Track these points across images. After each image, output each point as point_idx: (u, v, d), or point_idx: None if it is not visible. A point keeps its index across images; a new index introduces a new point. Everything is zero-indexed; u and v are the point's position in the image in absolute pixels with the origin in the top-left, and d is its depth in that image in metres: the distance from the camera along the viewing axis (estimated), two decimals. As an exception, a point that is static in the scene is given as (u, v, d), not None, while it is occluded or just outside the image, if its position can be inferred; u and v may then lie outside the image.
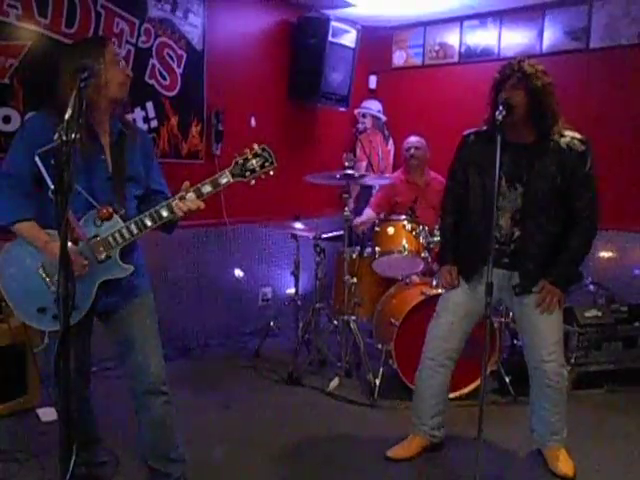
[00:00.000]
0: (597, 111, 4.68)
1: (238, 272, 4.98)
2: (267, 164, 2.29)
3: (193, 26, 4.35)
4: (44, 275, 2.24)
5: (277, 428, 3.36)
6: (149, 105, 4.11)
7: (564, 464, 2.90)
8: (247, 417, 3.49)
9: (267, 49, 5.08)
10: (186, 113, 4.40)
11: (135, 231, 2.24)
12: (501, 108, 2.55)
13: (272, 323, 4.59)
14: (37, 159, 1.90)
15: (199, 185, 2.26)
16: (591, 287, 4.43)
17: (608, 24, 4.79)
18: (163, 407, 2.40)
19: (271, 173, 2.29)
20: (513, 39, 5.29)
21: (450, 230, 3.03)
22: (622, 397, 3.89)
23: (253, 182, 2.30)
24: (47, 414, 3.26)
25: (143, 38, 4.05)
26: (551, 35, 5.05)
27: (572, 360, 3.88)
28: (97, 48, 2.27)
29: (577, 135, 2.72)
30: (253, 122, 4.90)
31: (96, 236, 2.23)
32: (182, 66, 4.30)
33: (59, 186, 1.68)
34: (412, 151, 4.67)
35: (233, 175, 2.27)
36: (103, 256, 2.23)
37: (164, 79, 4.20)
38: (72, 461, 1.71)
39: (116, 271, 2.28)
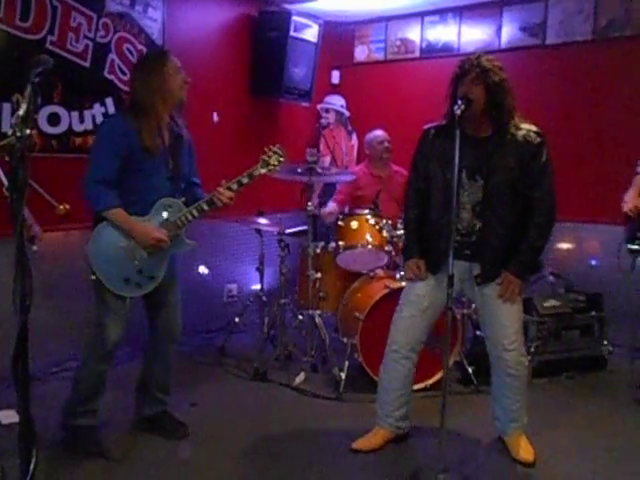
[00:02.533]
0: (554, 106, 4.78)
1: (203, 269, 4.96)
2: (282, 159, 2.96)
3: (153, 20, 4.30)
4: (129, 252, 2.80)
5: (244, 424, 3.36)
6: (108, 101, 4.04)
7: (525, 450, 2.97)
8: (214, 414, 3.48)
9: (228, 44, 5.05)
10: (147, 109, 4.33)
11: (196, 214, 2.87)
12: (460, 102, 2.60)
13: (237, 320, 4.57)
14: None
15: (239, 178, 2.91)
16: (550, 277, 4.53)
17: (563, 21, 4.89)
18: (175, 353, 3.17)
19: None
20: (473, 35, 5.37)
21: (414, 223, 3.05)
22: (579, 384, 4.00)
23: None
24: (7, 417, 3.19)
25: (102, 33, 3.99)
26: (509, 31, 5.14)
27: (532, 349, 3.95)
28: (160, 60, 2.86)
29: (533, 128, 2.79)
30: (216, 117, 4.87)
31: (167, 220, 2.85)
32: (142, 62, 4.24)
33: (14, 183, 1.65)
34: (386, 144, 4.74)
35: (262, 169, 2.94)
36: (179, 234, 2.90)
37: (124, 74, 4.12)
38: (32, 463, 1.69)
39: (184, 246, 2.98)
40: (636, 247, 3.46)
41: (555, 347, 4.10)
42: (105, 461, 2.84)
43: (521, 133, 2.76)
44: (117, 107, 4.10)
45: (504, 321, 2.88)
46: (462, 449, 3.05)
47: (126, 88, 4.12)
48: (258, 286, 5.22)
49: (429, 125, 3.00)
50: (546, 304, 4.11)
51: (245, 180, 2.89)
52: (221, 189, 2.85)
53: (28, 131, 1.68)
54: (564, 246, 4.95)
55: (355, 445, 3.06)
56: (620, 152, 4.56)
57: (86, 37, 3.90)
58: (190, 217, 2.86)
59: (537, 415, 3.12)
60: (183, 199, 2.92)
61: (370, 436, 3.09)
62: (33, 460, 1.70)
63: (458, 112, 2.57)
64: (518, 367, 2.91)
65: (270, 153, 2.92)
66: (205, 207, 2.86)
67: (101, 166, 2.73)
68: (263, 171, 2.92)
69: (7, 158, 1.67)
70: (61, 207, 2.56)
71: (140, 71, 2.89)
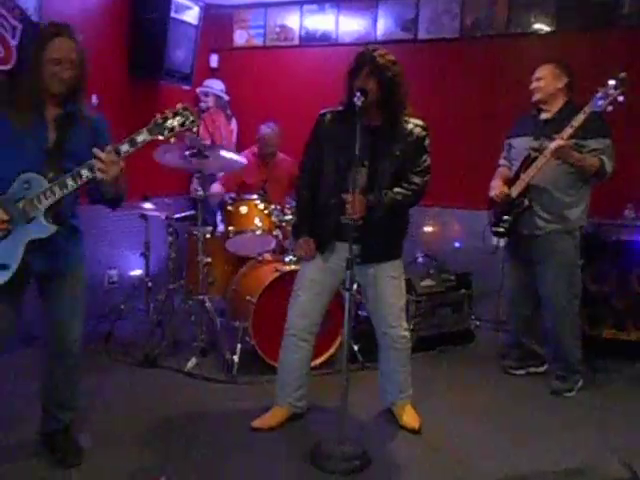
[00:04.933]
0: (424, 99, 5.08)
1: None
2: (188, 122, 2.39)
3: (28, -5, 4.07)
4: None
5: (139, 411, 3.35)
6: (-18, 79, 3.80)
7: (411, 418, 3.22)
8: (107, 402, 3.44)
9: (107, 23, 4.88)
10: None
11: (58, 191, 2.39)
12: (359, 94, 2.73)
13: (123, 306, 4.49)
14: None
15: (118, 144, 2.38)
16: (421, 259, 4.89)
17: (433, 18, 5.23)
18: (72, 368, 2.76)
19: (193, 130, 2.47)
20: (350, 26, 5.58)
21: (306, 203, 3.16)
22: (451, 356, 4.39)
23: (173, 140, 2.42)
24: None
25: (-27, 7, 3.73)
26: (384, 24, 5.42)
27: (410, 326, 4.20)
28: (43, 41, 2.48)
29: (419, 122, 3.02)
30: (95, 100, 4.71)
31: (22, 198, 2.40)
32: (17, 38, 4.00)
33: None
34: (273, 141, 4.88)
35: (150, 132, 2.37)
36: (31, 217, 2.40)
37: (-2, 51, 3.89)
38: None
39: (40, 230, 2.43)
40: (501, 230, 3.79)
41: (430, 323, 4.45)
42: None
43: (409, 126, 2.98)
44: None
45: (388, 299, 3.11)
46: (355, 421, 3.22)
47: (1, 67, 3.89)
48: (139, 272, 5.16)
49: (325, 110, 3.10)
50: (423, 284, 4.44)
51: (125, 148, 2.37)
52: (101, 154, 2.35)
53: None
54: (431, 229, 5.35)
55: (255, 424, 3.16)
56: (482, 144, 4.94)
57: (-44, 11, 3.64)
58: (50, 195, 2.39)
59: (416, 387, 3.36)
60: (51, 175, 2.42)
61: (269, 415, 3.20)
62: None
63: (359, 103, 2.71)
64: (403, 341, 3.17)
65: (168, 114, 2.38)
66: (70, 182, 2.38)
67: None
68: (149, 137, 2.37)
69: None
70: None
71: (31, 40, 2.70)
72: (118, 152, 2.37)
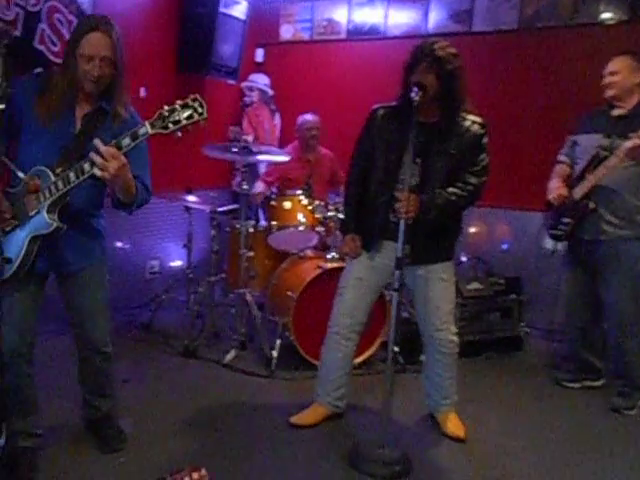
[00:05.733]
0: (478, 93, 4.97)
1: (123, 244, 4.87)
2: (196, 115, 2.18)
3: (84, -10, 4.13)
4: None
5: (180, 400, 3.37)
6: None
7: (456, 426, 3.13)
8: (148, 390, 3.47)
9: (157, 17, 4.92)
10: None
11: (60, 186, 2.27)
12: (416, 89, 2.64)
13: (164, 296, 4.53)
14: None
15: (119, 138, 2.21)
16: (466, 261, 4.74)
17: (489, 8, 5.01)
18: (102, 363, 2.70)
19: (201, 124, 2.20)
20: (400, 18, 5.44)
21: (354, 200, 3.09)
22: (498, 364, 4.22)
23: (179, 134, 2.21)
24: None
25: (32, 1, 3.79)
26: (436, 16, 5.24)
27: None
28: (80, 35, 2.32)
29: (477, 119, 2.89)
30: (143, 92, 4.75)
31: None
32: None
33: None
34: (314, 132, 4.77)
35: (153, 126, 2.18)
36: (34, 212, 2.30)
37: (54, 45, 3.95)
38: (2, 437, 1.68)
39: (42, 225, 2.30)
40: (559, 233, 3.61)
41: (476, 328, 4.31)
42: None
43: (466, 123, 2.86)
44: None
45: (437, 302, 3.02)
46: (394, 425, 3.13)
47: (56, 59, 3.95)
48: (180, 263, 5.21)
49: (378, 105, 3.02)
50: (469, 287, 4.30)
51: (126, 142, 2.20)
52: (101, 146, 2.19)
53: (2, 106, 1.63)
54: (477, 230, 5.16)
55: (293, 420, 3.15)
56: (538, 142, 4.77)
57: (17, 5, 3.71)
58: (54, 190, 2.28)
59: (460, 393, 3.27)
60: (59, 170, 2.30)
61: (308, 412, 3.18)
62: (3, 432, 1.68)
63: (416, 98, 2.62)
64: (450, 345, 3.08)
65: (176, 106, 2.17)
66: (72, 176, 2.26)
67: None
68: (152, 131, 2.17)
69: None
70: (31, 183, 2.32)
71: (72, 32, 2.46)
72: (119, 146, 2.20)
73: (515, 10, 4.92)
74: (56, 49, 3.97)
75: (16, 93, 2.28)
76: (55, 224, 2.29)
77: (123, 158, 2.20)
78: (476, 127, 2.87)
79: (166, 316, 4.61)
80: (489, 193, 3.00)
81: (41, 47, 3.91)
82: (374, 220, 2.98)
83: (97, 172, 2.18)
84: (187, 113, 2.16)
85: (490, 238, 5.14)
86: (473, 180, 2.88)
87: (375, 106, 3.02)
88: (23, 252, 2.31)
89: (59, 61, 3.95)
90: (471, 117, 2.88)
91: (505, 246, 5.05)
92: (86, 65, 2.30)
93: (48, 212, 2.30)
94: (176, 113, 2.16)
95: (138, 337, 4.29)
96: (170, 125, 2.16)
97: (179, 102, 2.17)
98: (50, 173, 2.29)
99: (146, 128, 2.17)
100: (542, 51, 4.87)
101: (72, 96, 2.39)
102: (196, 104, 2.18)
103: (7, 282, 2.25)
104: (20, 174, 2.30)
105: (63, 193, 2.28)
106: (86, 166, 2.23)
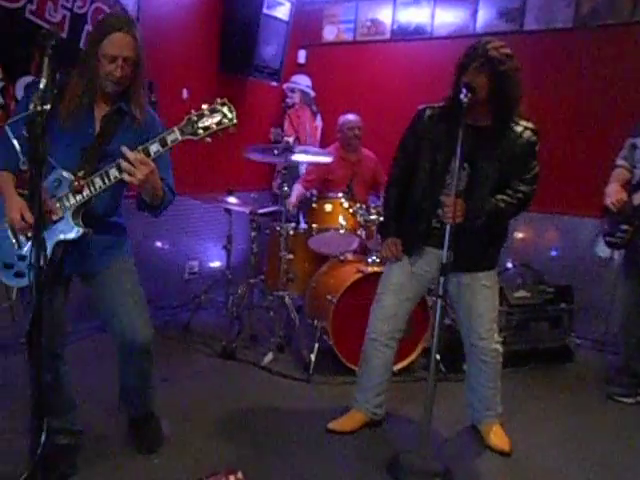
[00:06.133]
0: (529, 95, 4.85)
1: (163, 244, 4.89)
2: (226, 120, 2.10)
3: (128, -8, 4.16)
4: (10, 233, 2.30)
5: (218, 402, 3.36)
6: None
7: (500, 439, 3.03)
8: (186, 390, 3.47)
9: (200, 19, 4.95)
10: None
11: (87, 192, 2.24)
12: (465, 90, 2.55)
13: (203, 297, 4.53)
14: (7, 129, 1.76)
15: (147, 144, 2.17)
16: (512, 268, 4.57)
17: (543, 6, 4.83)
18: (142, 360, 2.60)
19: (230, 130, 2.13)
20: (446, 18, 5.32)
21: (395, 201, 3.00)
22: (546, 375, 4.07)
23: (209, 140, 2.15)
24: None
25: (79, 3, 3.84)
26: (485, 15, 5.09)
27: (500, 339, 4.01)
28: (100, 33, 2.27)
29: (530, 125, 2.78)
30: (185, 94, 4.78)
31: (53, 196, 2.27)
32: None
33: (34, 157, 1.60)
34: (356, 131, 4.71)
35: (182, 132, 2.13)
36: (58, 217, 2.26)
37: (99, 45, 3.99)
38: (43, 434, 1.68)
39: (67, 231, 2.28)
40: (617, 241, 3.48)
41: (523, 338, 4.16)
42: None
43: (518, 129, 2.75)
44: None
45: (480, 310, 2.94)
46: (436, 435, 3.08)
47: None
48: (219, 264, 5.22)
49: (424, 105, 2.92)
50: (517, 295, 4.16)
51: (154, 148, 2.16)
52: (129, 153, 2.16)
53: (48, 106, 1.62)
54: (524, 236, 5.01)
55: (331, 425, 3.09)
56: (593, 146, 4.59)
57: (64, 7, 3.76)
58: (80, 197, 2.26)
59: (505, 404, 3.17)
60: (82, 173, 2.27)
61: (346, 418, 3.13)
62: (44, 431, 1.68)
63: (465, 100, 2.53)
64: (493, 354, 2.98)
65: (205, 111, 2.10)
66: (98, 181, 2.23)
67: (12, 121, 2.34)
68: (180, 137, 2.13)
69: (25, 132, 1.61)
70: (77, 183, 2.30)
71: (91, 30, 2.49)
72: (148, 152, 2.16)
73: (570, 8, 4.72)
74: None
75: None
76: (81, 230, 2.28)
77: (152, 164, 2.17)
78: (528, 133, 2.76)
79: (205, 317, 4.63)
80: (538, 198, 2.89)
81: (87, 48, 3.95)
82: (417, 225, 2.90)
83: (126, 177, 2.16)
84: (217, 119, 2.10)
85: (539, 244, 4.97)
86: (523, 188, 2.78)
87: (421, 106, 2.93)
88: (49, 258, 2.22)
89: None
90: (523, 123, 2.78)
91: (554, 253, 4.89)
92: (108, 66, 2.26)
93: (73, 217, 2.28)
94: (205, 118, 2.10)
95: (177, 337, 4.29)
96: (200, 131, 2.11)
97: (206, 107, 2.11)
98: (72, 177, 2.26)
99: (176, 134, 2.13)
100: (599, 51, 4.66)
101: (91, 96, 2.35)
102: (225, 109, 2.10)
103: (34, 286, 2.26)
104: (65, 173, 2.26)
105: (88, 198, 2.26)
106: (113, 171, 2.20)
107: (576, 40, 4.74)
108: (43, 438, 1.69)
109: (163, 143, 2.15)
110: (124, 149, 2.15)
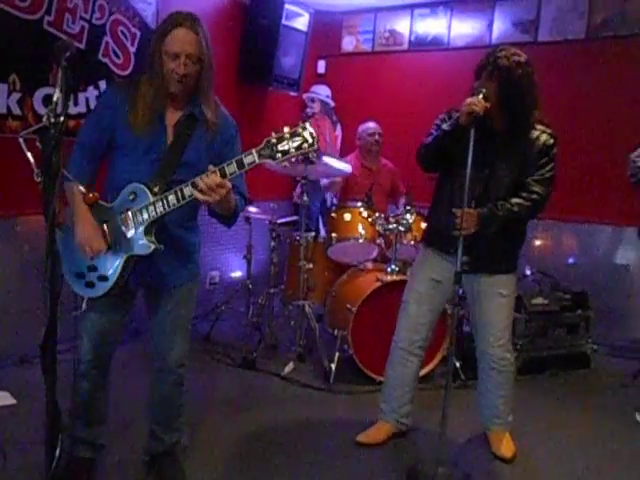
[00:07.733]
0: (546, 105, 4.82)
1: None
2: (306, 145, 2.05)
3: (147, 3, 4.22)
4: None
5: (239, 412, 3.37)
6: (102, 84, 3.97)
7: (505, 447, 3.00)
8: (205, 400, 3.48)
9: (220, 30, 4.98)
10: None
11: (160, 209, 2.19)
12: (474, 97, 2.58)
13: (224, 307, 4.55)
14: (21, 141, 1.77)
15: (224, 164, 2.11)
16: (530, 275, 4.55)
17: (556, 18, 4.89)
18: (174, 385, 2.58)
19: (311, 157, 2.10)
20: (463, 29, 5.39)
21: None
22: (564, 381, 4.05)
23: (285, 164, 2.14)
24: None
25: (97, 15, 3.91)
26: (501, 26, 5.16)
27: (518, 346, 4.00)
28: (164, 30, 2.23)
29: (547, 130, 2.78)
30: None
31: (127, 210, 2.24)
32: (135, 45, 4.17)
33: (47, 169, 1.62)
34: (377, 137, 4.72)
35: (260, 155, 2.07)
36: (131, 232, 2.24)
37: (118, 58, 4.06)
38: (57, 451, 1.68)
39: (139, 247, 2.24)
40: None
41: (541, 344, 4.16)
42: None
43: (535, 133, 2.75)
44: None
45: (493, 317, 2.91)
46: (454, 443, 3.07)
47: (120, 72, 4.06)
48: (239, 274, 5.23)
49: (449, 108, 2.92)
50: (534, 301, 4.15)
51: (231, 169, 2.09)
52: (205, 179, 2.11)
53: (62, 117, 1.64)
54: (541, 243, 5.01)
55: (359, 438, 3.06)
56: (607, 155, 4.60)
57: (82, 18, 3.82)
58: (152, 212, 2.20)
59: (522, 411, 3.14)
60: (157, 188, 2.22)
61: (374, 430, 3.10)
62: (58, 448, 1.68)
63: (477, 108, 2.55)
64: (503, 362, 2.94)
65: (285, 134, 2.04)
66: (172, 199, 2.17)
67: (81, 132, 2.37)
68: (258, 161, 2.08)
69: (39, 144, 1.63)
70: (90, 195, 2.23)
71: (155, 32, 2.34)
72: (224, 174, 2.10)
73: (583, 19, 4.78)
74: (119, 61, 4.08)
75: (105, 107, 2.33)
76: (153, 246, 2.22)
77: (228, 184, 2.11)
78: (545, 136, 2.76)
79: (225, 327, 4.64)
80: (555, 206, 2.88)
81: (105, 59, 4.02)
82: (440, 234, 2.90)
83: (200, 197, 2.10)
84: (297, 143, 2.04)
85: (556, 252, 4.98)
86: (537, 189, 2.75)
87: (447, 109, 2.93)
88: (119, 271, 2.26)
89: (123, 73, 4.09)
90: (541, 127, 2.77)
91: (572, 260, 4.87)
92: (171, 63, 2.19)
93: (146, 234, 2.23)
94: (285, 142, 2.04)
95: (197, 347, 4.29)
96: (278, 155, 2.05)
97: (288, 129, 2.05)
98: (148, 192, 2.21)
99: (254, 157, 2.07)
100: (612, 61, 4.71)
101: (161, 102, 2.28)
102: (306, 133, 2.04)
103: (100, 298, 2.30)
104: (141, 187, 2.23)
105: (161, 215, 2.21)
106: (187, 190, 2.14)
107: (589, 51, 4.80)
108: (57, 453, 1.68)
109: (240, 165, 2.10)
110: (210, 168, 2.10)
